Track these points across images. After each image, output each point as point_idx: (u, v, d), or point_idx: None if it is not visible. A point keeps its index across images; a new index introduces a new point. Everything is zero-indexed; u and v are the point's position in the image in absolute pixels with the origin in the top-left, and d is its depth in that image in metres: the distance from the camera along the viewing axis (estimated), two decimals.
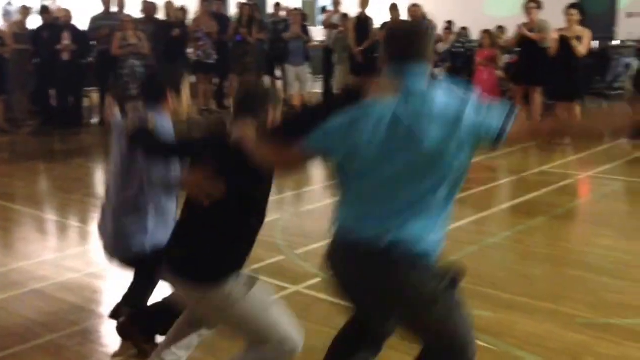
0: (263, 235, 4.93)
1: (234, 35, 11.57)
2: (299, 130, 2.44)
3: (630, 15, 15.69)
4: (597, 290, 4.19)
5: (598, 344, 3.47)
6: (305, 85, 12.75)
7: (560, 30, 8.73)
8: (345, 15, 12.21)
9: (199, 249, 2.73)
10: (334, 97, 2.46)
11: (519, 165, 7.83)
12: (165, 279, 2.88)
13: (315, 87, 13.80)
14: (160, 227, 3.28)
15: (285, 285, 4.24)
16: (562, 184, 6.79)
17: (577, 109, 8.81)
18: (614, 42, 13.31)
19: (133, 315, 3.38)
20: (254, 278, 2.80)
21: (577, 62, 8.69)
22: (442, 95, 2.31)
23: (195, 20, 11.66)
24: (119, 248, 3.36)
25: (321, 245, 4.95)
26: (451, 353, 2.41)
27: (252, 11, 11.89)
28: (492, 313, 3.84)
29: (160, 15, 11.59)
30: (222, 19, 12.05)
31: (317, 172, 7.99)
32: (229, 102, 12.03)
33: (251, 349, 2.75)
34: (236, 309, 2.70)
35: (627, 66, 10.14)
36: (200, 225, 2.75)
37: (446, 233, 4.97)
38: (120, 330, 3.39)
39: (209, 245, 2.71)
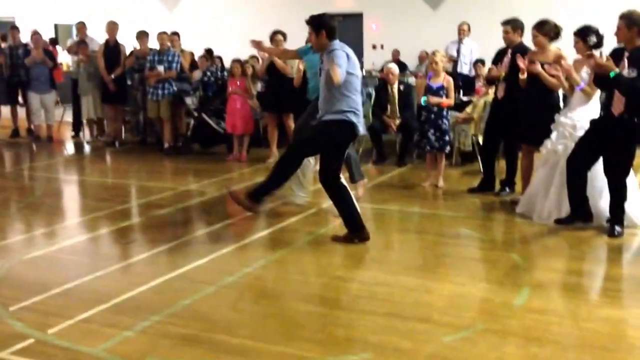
0: None
1: None
2: None
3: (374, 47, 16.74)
4: (327, 325, 4.20)
5: None
6: (52, 114, 11.99)
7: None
8: (82, 42, 11.58)
9: None
10: None
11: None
12: None
13: (66, 116, 13.05)
14: None
15: None
16: (305, 213, 6.85)
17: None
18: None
19: None
20: None
21: None
22: None
23: None
24: None
25: (41, 298, 4.54)
26: None
27: None
28: None
29: None
30: None
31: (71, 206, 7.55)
32: None
33: None
34: None
35: (369, 95, 10.63)
36: None
37: (182, 274, 4.79)
38: None
39: None
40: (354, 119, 5.68)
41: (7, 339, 3.93)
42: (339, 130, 5.73)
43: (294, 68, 9.15)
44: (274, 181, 5.91)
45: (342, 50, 5.64)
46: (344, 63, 5.52)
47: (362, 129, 5.80)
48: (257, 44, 7.08)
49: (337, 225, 6.19)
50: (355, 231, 5.86)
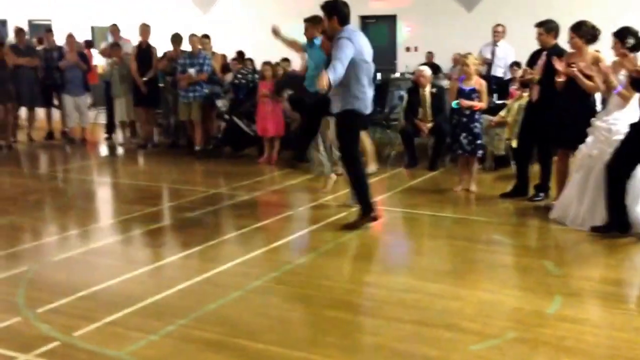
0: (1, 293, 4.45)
1: None
2: None
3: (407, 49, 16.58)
4: (353, 331, 4.13)
5: None
6: (85, 116, 12.11)
7: None
8: (115, 44, 11.67)
9: None
10: None
11: (298, 198, 7.83)
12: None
13: (99, 119, 13.18)
14: None
15: (12, 354, 3.76)
16: (335, 217, 6.79)
17: (365, 137, 9.04)
18: (394, 75, 13.96)
19: None
20: None
21: None
22: None
23: None
24: None
25: (68, 301, 4.55)
26: None
27: None
28: None
29: None
30: None
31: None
32: None
33: None
34: None
35: (401, 98, 10.56)
36: None
37: (209, 278, 4.77)
38: None
39: None
40: (356, 104, 6.13)
41: (33, 341, 3.93)
42: (348, 118, 6.18)
43: None
44: (358, 185, 6.35)
45: (347, 38, 5.91)
46: (346, 54, 5.85)
47: (367, 109, 6.29)
48: (275, 31, 7.83)
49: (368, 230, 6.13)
50: (368, 211, 6.29)
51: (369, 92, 6.26)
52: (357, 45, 5.96)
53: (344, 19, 6.07)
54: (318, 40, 7.55)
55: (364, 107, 6.23)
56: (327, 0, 6.16)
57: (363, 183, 6.32)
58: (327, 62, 6.46)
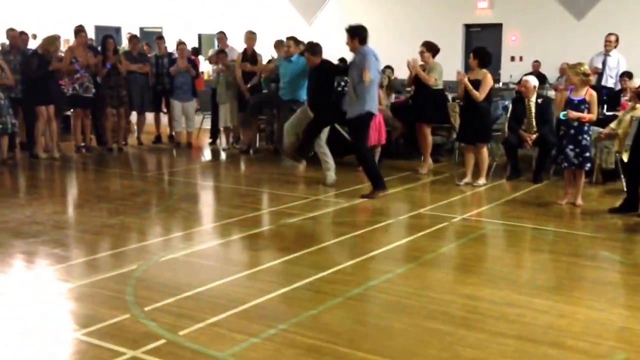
0: (111, 290, 4.66)
1: (103, 65, 11.21)
2: None
3: (512, 58, 16.26)
4: (453, 344, 4.07)
5: None
6: (192, 121, 12.46)
7: (467, 74, 8.95)
8: (222, 51, 11.96)
9: None
10: None
11: (397, 208, 7.80)
12: None
13: (204, 124, 13.54)
14: None
15: (121, 349, 3.91)
16: (435, 227, 6.73)
17: (485, 151, 8.93)
18: (497, 85, 13.71)
19: None
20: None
21: (479, 106, 8.73)
22: None
23: (69, 51, 11.22)
24: None
25: (174, 300, 4.70)
26: None
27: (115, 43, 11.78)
28: None
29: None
30: (96, 50, 11.62)
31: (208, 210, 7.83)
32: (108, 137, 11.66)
33: None
34: None
35: (505, 108, 10.35)
36: None
37: (309, 284, 4.82)
38: None
39: None
40: (373, 105, 8.01)
41: (141, 338, 4.08)
42: (363, 119, 8.07)
43: (438, 80, 9.63)
44: (370, 171, 8.15)
45: (370, 54, 7.76)
46: (373, 65, 7.71)
47: (375, 110, 8.19)
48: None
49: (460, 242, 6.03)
50: (378, 187, 7.99)
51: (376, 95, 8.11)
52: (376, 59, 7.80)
53: (363, 41, 7.81)
54: (295, 58, 10.00)
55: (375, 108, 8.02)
56: (352, 25, 7.98)
57: (374, 165, 8.22)
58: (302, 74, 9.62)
